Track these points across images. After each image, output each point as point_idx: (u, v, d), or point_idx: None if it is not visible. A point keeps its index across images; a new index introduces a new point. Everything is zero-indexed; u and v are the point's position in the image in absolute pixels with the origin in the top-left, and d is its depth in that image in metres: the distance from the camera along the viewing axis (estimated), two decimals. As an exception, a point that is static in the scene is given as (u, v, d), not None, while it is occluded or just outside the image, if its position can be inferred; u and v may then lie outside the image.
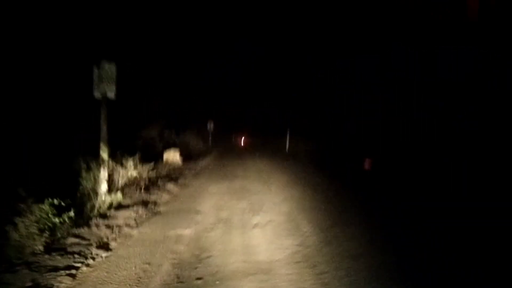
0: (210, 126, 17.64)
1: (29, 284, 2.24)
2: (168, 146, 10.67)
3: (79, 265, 2.56)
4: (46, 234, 2.93)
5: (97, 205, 4.09)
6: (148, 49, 14.05)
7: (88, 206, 4.05)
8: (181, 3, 17.01)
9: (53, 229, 3.04)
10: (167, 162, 8.76)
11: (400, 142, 8.73)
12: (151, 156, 8.10)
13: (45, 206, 3.04)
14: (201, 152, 13.63)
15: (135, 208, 4.29)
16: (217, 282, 2.34)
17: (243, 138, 29.06)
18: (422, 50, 8.80)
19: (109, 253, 2.87)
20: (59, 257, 2.68)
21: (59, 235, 3.08)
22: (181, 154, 9.65)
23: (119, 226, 3.57)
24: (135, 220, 3.88)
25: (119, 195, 4.57)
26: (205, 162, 10.78)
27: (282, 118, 20.31)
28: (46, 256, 2.69)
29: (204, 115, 18.38)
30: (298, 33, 17.54)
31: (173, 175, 7.23)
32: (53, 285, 2.25)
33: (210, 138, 17.64)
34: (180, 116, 16.63)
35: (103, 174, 4.38)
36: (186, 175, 7.35)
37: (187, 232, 3.49)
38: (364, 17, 11.40)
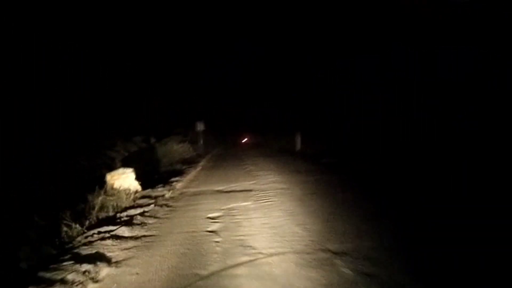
0: (200, 127, 14.13)
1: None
2: (129, 161, 7.34)
3: None
4: None
5: None
6: (148, 49, 14.08)
7: None
8: (181, 3, 17.03)
9: None
10: (110, 193, 5.04)
11: (400, 142, 8.73)
12: (88, 183, 4.98)
13: None
14: (187, 163, 10.08)
15: None
16: None
17: (244, 141, 28.49)
18: (422, 50, 8.82)
19: None
20: None
21: None
22: (143, 176, 6.09)
23: None
24: None
25: None
26: (182, 186, 6.38)
27: (282, 118, 20.32)
28: None
29: (203, 115, 16.87)
30: (298, 33, 17.57)
31: (73, 249, 3.09)
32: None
33: (201, 142, 14.23)
34: (176, 116, 16.14)
35: None
36: (110, 249, 3.07)
37: None
38: (364, 17, 11.42)
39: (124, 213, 4.35)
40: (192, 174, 8.22)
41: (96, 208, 4.35)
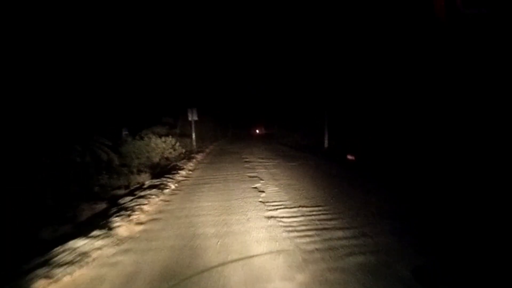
0: (192, 117, 11.73)
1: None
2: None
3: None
4: None
5: None
6: (148, 51, 13.96)
7: None
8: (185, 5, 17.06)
9: None
10: None
11: (400, 142, 8.69)
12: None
13: None
14: (163, 171, 7.11)
15: None
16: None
17: (256, 132, 25.04)
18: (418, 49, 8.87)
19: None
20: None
21: None
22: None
23: None
24: None
25: None
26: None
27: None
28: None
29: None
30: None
31: None
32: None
33: (193, 136, 11.86)
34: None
35: None
36: None
37: None
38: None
39: None
40: (150, 210, 4.06)
41: None
